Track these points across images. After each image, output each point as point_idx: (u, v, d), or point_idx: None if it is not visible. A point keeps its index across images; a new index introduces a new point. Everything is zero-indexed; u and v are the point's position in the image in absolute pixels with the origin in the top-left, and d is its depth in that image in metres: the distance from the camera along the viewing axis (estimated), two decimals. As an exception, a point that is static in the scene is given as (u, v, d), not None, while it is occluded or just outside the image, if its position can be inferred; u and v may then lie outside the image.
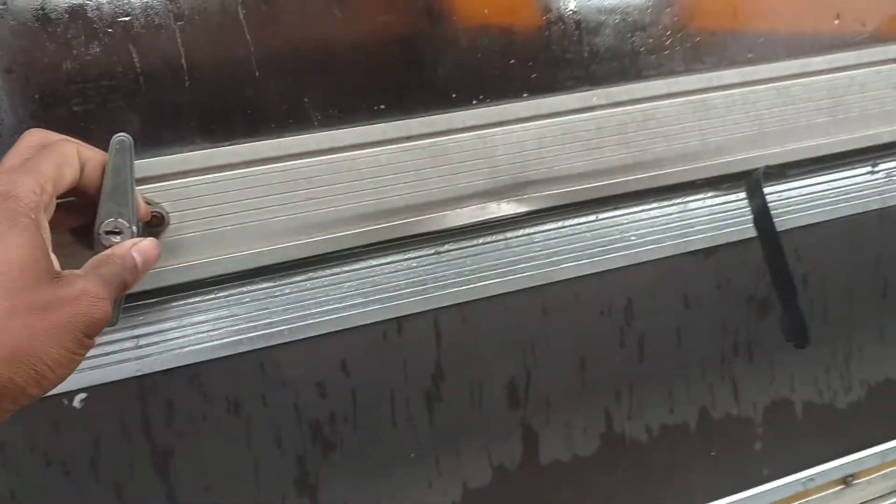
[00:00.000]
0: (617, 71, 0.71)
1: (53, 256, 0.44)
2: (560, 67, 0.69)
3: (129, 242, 0.49)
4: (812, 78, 0.77)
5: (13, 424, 0.60)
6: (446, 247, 0.71)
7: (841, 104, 0.78)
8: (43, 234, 0.43)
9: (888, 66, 0.79)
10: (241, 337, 0.65)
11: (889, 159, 0.84)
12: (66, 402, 0.62)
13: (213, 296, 0.65)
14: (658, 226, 0.76)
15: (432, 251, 0.70)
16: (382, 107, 0.65)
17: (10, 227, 0.41)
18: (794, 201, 0.80)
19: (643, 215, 0.76)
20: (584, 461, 0.79)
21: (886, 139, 0.81)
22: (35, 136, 0.48)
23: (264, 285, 0.66)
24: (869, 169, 0.83)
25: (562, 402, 0.77)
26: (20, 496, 0.62)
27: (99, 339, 0.62)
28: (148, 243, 0.50)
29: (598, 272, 0.75)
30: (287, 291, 0.67)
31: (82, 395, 0.62)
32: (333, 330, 0.68)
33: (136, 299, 0.62)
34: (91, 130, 0.57)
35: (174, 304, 0.64)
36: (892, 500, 0.95)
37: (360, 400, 0.70)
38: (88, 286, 0.43)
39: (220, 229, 0.62)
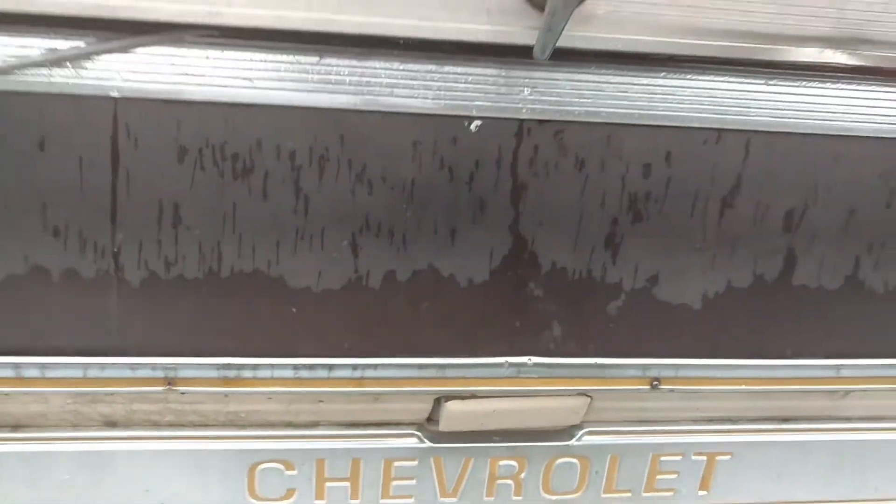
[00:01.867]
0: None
1: None
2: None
3: None
4: None
5: (422, 131, 0.79)
6: (775, 80, 0.83)
7: None
8: None
9: None
10: (597, 109, 0.81)
11: None
12: (466, 123, 0.79)
13: (598, 72, 0.80)
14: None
15: (762, 81, 0.83)
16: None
17: None
18: None
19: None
20: (826, 294, 0.92)
21: None
22: None
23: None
24: None
25: (825, 239, 0.89)
26: (415, 190, 0.80)
27: (502, 81, 0.78)
28: None
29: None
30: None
31: (478, 122, 0.79)
32: (665, 125, 0.82)
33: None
34: None
35: (572, 65, 0.79)
36: None
37: (672, 192, 0.84)
38: None
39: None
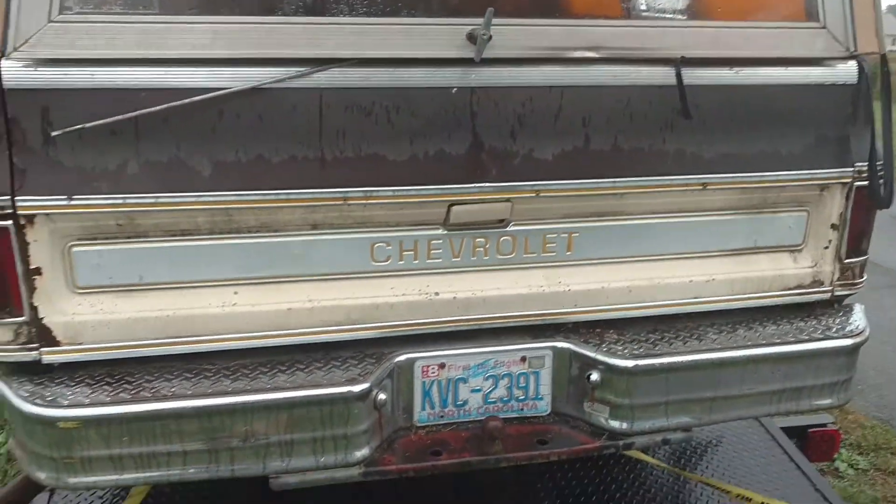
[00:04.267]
0: None
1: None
2: None
3: None
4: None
5: (433, 96, 2.04)
6: (581, 66, 2.11)
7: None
8: None
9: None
10: (502, 79, 2.07)
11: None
12: (452, 89, 2.05)
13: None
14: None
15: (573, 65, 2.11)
16: None
17: None
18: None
19: None
20: (606, 151, 2.18)
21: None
22: None
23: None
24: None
25: (600, 129, 2.16)
26: (434, 118, 2.05)
27: (462, 71, 2.05)
28: None
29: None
30: None
31: (455, 89, 2.05)
32: (532, 86, 2.09)
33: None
34: None
35: (489, 64, 2.06)
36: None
37: (535, 113, 2.11)
38: None
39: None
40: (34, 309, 1.97)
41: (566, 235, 2.28)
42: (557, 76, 2.10)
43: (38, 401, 1.91)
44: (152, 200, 1.93)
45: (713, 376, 2.30)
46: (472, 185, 2.12)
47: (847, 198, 2.40)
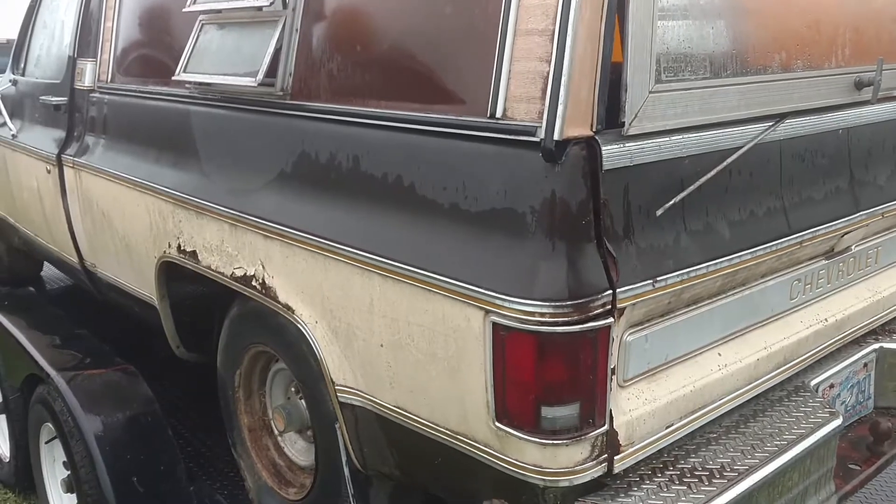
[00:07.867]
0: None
1: None
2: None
3: None
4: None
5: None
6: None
7: None
8: None
9: None
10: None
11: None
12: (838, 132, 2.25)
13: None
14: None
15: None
16: None
17: None
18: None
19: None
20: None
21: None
22: None
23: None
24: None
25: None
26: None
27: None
28: None
29: None
30: None
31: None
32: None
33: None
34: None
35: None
36: None
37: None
38: None
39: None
40: (609, 414, 1.74)
41: (875, 250, 2.60)
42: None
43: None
44: (704, 271, 1.84)
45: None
46: (857, 213, 2.34)
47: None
